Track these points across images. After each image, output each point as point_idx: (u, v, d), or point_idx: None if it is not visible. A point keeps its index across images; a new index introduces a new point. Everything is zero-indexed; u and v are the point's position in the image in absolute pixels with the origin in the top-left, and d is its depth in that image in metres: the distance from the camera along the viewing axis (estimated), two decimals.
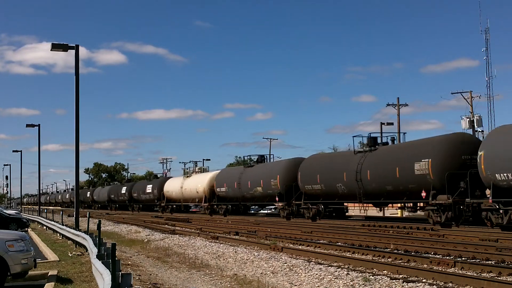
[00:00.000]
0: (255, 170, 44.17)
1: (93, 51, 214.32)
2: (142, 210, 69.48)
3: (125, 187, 76.56)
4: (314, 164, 36.69)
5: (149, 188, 66.03)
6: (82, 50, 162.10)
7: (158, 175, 76.23)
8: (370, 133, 33.18)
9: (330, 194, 34.28)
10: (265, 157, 46.68)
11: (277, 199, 38.95)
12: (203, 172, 57.15)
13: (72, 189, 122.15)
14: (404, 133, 35.23)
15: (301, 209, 36.61)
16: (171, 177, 66.43)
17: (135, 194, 71.23)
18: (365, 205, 33.98)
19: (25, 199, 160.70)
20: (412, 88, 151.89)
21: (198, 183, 52.59)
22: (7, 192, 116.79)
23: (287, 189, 37.57)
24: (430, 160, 25.62)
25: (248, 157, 47.05)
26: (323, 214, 34.52)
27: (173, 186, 59.02)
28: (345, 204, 36.05)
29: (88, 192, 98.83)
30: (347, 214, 37.84)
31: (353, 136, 34.35)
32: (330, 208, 34.95)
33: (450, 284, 10.97)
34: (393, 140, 32.91)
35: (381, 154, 30.56)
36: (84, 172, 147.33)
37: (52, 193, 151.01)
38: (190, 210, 62.47)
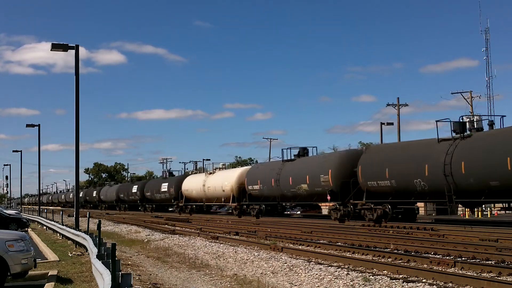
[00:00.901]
0: (298, 164, 38.13)
1: (92, 51, 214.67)
2: (156, 211, 63.83)
3: (137, 186, 71.43)
4: (380, 155, 30.45)
5: (164, 187, 60.71)
6: (82, 50, 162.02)
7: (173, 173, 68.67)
8: (461, 116, 27.41)
9: (403, 192, 28.35)
10: (308, 149, 40.45)
11: (328, 197, 33.05)
12: (226, 169, 52.65)
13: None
14: (503, 116, 27.30)
15: (361, 210, 30.51)
16: (190, 174, 60.78)
17: (148, 193, 66.18)
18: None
19: (26, 199, 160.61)
20: (412, 88, 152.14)
21: (224, 181, 47.23)
22: (7, 192, 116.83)
23: (342, 186, 31.91)
24: None
25: (288, 149, 39.85)
26: (390, 216, 28.43)
27: (194, 184, 53.53)
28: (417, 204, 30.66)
29: (95, 192, 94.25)
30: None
31: (437, 121, 27.32)
32: (400, 208, 28.96)
33: (450, 284, 10.97)
34: (491, 124, 26.39)
35: (479, 141, 25.05)
36: (84, 172, 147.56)
37: (54, 192, 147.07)
38: (214, 210, 57.95)
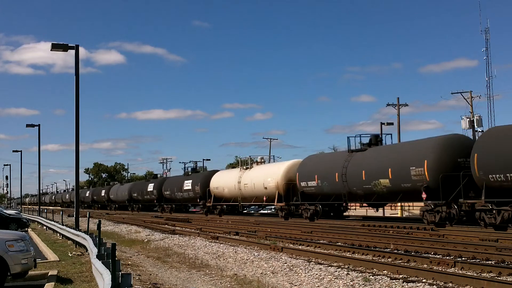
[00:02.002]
0: (372, 155, 30.89)
1: (91, 51, 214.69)
2: (176, 212, 57.41)
3: (153, 184, 64.56)
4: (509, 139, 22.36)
5: (188, 184, 53.94)
6: (81, 50, 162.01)
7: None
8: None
9: None
10: (381, 137, 34.32)
11: (424, 195, 25.72)
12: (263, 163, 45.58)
13: (86, 187, 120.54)
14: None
15: (479, 211, 22.83)
16: (218, 170, 53.09)
17: (167, 192, 59.72)
18: None
19: (27, 199, 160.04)
20: (411, 88, 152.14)
21: (267, 176, 40.11)
22: (7, 192, 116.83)
23: (444, 180, 24.63)
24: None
25: (358, 137, 33.04)
26: None
27: (225, 181, 46.41)
28: None
29: (103, 191, 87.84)
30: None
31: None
32: None
33: (450, 284, 10.97)
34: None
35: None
36: (84, 172, 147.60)
37: (57, 192, 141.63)
38: (247, 211, 51.79)
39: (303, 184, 36.00)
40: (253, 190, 42.02)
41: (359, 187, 30.93)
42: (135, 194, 70.56)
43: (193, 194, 52.84)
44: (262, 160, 46.32)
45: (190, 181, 54.00)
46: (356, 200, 32.53)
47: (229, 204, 46.78)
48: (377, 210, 36.83)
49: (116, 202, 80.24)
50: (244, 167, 45.14)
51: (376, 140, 33.02)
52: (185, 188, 54.61)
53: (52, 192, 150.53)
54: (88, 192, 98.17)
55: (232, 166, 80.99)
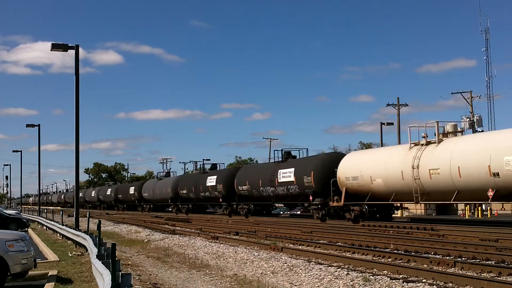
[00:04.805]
0: None
1: (89, 51, 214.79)
2: (193, 212, 52.58)
3: (164, 182, 57.84)
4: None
5: (211, 180, 48.46)
6: (80, 50, 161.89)
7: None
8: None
9: None
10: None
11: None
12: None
13: (97, 186, 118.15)
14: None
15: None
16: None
17: (183, 191, 53.09)
18: None
19: (30, 199, 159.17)
20: (410, 88, 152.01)
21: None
22: (7, 192, 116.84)
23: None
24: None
25: None
26: None
27: (370, 167, 30.10)
28: None
29: (109, 190, 79.36)
30: None
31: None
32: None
33: (450, 284, 10.97)
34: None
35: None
36: (84, 172, 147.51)
37: (68, 190, 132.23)
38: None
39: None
40: (459, 179, 24.41)
41: None
42: (146, 194, 66.57)
43: (217, 193, 47.91)
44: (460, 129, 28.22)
45: (214, 177, 48.70)
46: None
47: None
48: None
49: (124, 202, 76.62)
50: (423, 142, 27.05)
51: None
52: (209, 184, 49.26)
53: (60, 191, 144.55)
54: (110, 190, 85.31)
55: (232, 166, 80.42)
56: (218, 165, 54.81)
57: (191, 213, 52.02)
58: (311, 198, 33.85)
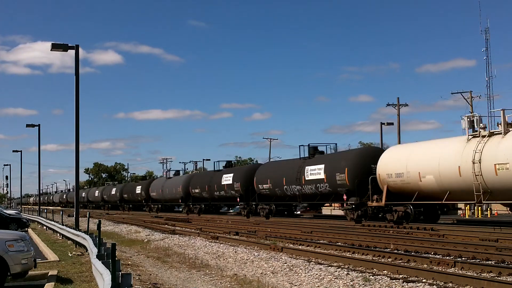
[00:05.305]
0: None
1: (88, 51, 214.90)
2: (205, 213, 49.37)
3: (174, 181, 54.21)
4: None
5: (227, 179, 45.05)
6: (79, 50, 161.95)
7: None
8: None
9: None
10: None
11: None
12: None
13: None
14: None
15: None
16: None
17: (196, 190, 49.70)
18: None
19: (31, 199, 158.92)
20: (409, 88, 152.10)
21: None
22: (7, 192, 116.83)
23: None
24: None
25: None
26: None
27: (420, 163, 26.77)
28: None
29: (114, 189, 75.78)
30: None
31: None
32: None
33: (450, 284, 10.97)
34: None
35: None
36: (84, 172, 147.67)
37: (69, 190, 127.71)
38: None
39: None
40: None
41: None
42: (154, 193, 63.39)
43: (234, 192, 44.33)
44: None
45: (231, 175, 45.13)
46: None
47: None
48: None
49: (130, 202, 73.77)
50: (485, 134, 24.27)
51: None
52: (225, 182, 45.70)
53: (62, 191, 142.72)
54: (117, 189, 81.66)
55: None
56: (233, 163, 51.45)
57: (203, 214, 49.37)
58: (345, 197, 30.91)
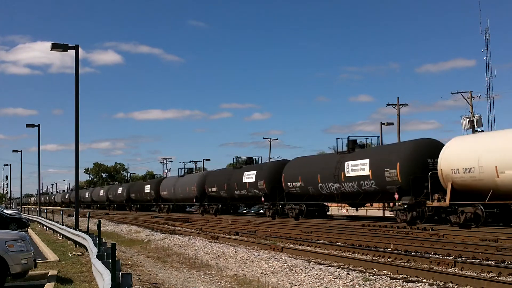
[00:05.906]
0: None
1: (88, 51, 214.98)
2: (222, 213, 46.32)
3: (187, 179, 51.24)
4: None
5: (249, 176, 41.47)
6: (79, 50, 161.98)
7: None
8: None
9: None
10: None
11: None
12: None
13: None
14: None
15: None
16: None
17: (212, 189, 46.70)
18: None
19: (32, 199, 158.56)
20: (409, 88, 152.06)
21: None
22: (7, 192, 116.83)
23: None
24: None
25: None
26: None
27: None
28: None
29: (120, 188, 71.93)
30: None
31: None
32: None
33: (450, 284, 10.97)
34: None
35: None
36: (84, 172, 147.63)
37: (72, 190, 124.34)
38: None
39: None
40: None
41: None
42: (164, 193, 59.62)
43: (257, 191, 40.67)
44: None
45: (254, 173, 41.15)
46: None
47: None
48: None
49: (137, 202, 70.50)
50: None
51: None
52: (247, 180, 41.85)
53: (64, 191, 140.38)
54: (123, 189, 77.24)
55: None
56: (254, 160, 46.34)
57: (220, 215, 45.65)
58: (396, 196, 26.97)
